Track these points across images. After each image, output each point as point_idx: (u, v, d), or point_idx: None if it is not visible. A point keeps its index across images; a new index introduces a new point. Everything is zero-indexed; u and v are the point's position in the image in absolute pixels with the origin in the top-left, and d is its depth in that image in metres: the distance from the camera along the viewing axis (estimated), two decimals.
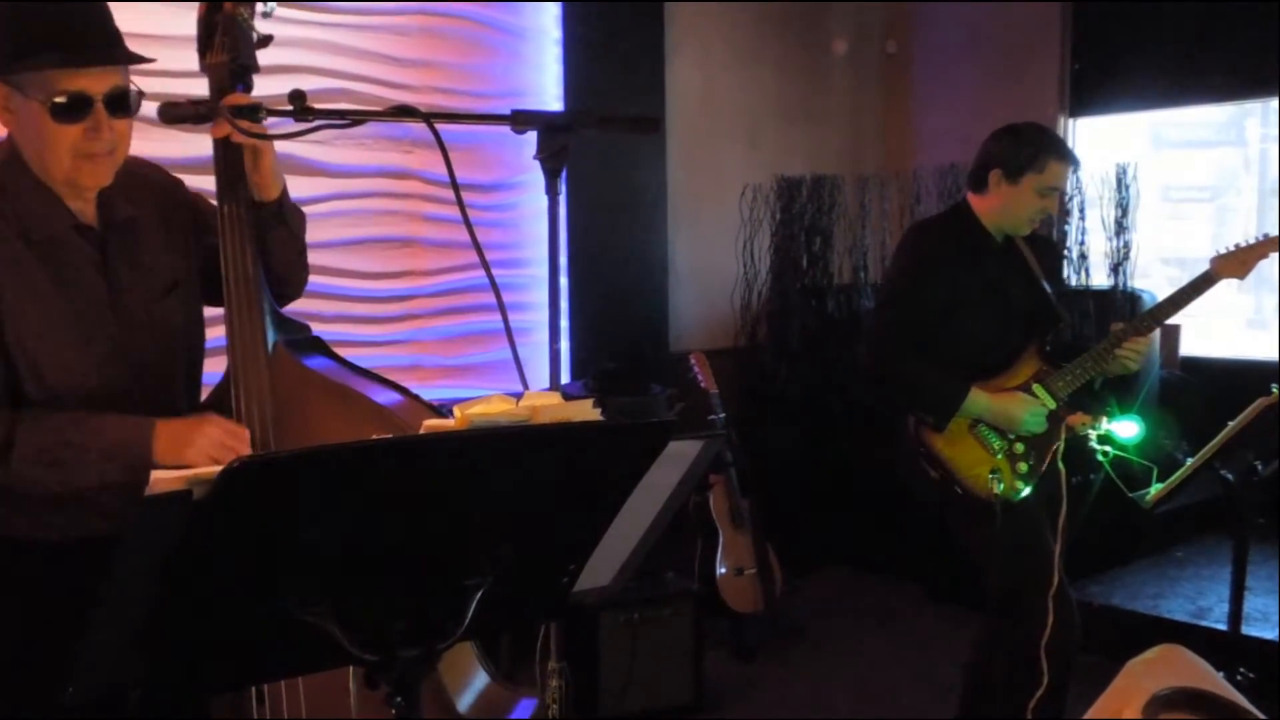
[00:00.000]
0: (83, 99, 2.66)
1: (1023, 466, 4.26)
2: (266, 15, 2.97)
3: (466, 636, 2.02)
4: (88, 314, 2.82)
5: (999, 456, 4.25)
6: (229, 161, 2.91)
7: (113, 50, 2.73)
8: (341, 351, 3.08)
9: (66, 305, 2.79)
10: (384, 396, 2.91)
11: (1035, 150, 4.29)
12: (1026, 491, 4.23)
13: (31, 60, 2.63)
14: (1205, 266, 4.35)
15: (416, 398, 2.95)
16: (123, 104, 2.72)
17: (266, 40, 2.98)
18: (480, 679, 3.10)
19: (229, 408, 2.85)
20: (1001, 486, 4.16)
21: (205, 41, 2.94)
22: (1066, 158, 4.33)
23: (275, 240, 3.02)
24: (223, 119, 2.79)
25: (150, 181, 3.03)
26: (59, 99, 2.64)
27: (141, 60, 2.76)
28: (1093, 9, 8.41)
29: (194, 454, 2.65)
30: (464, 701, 2.99)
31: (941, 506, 4.41)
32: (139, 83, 2.79)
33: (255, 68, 2.94)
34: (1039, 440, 4.29)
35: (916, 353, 4.26)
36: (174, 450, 2.67)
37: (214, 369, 3.07)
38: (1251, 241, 4.36)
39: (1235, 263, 4.35)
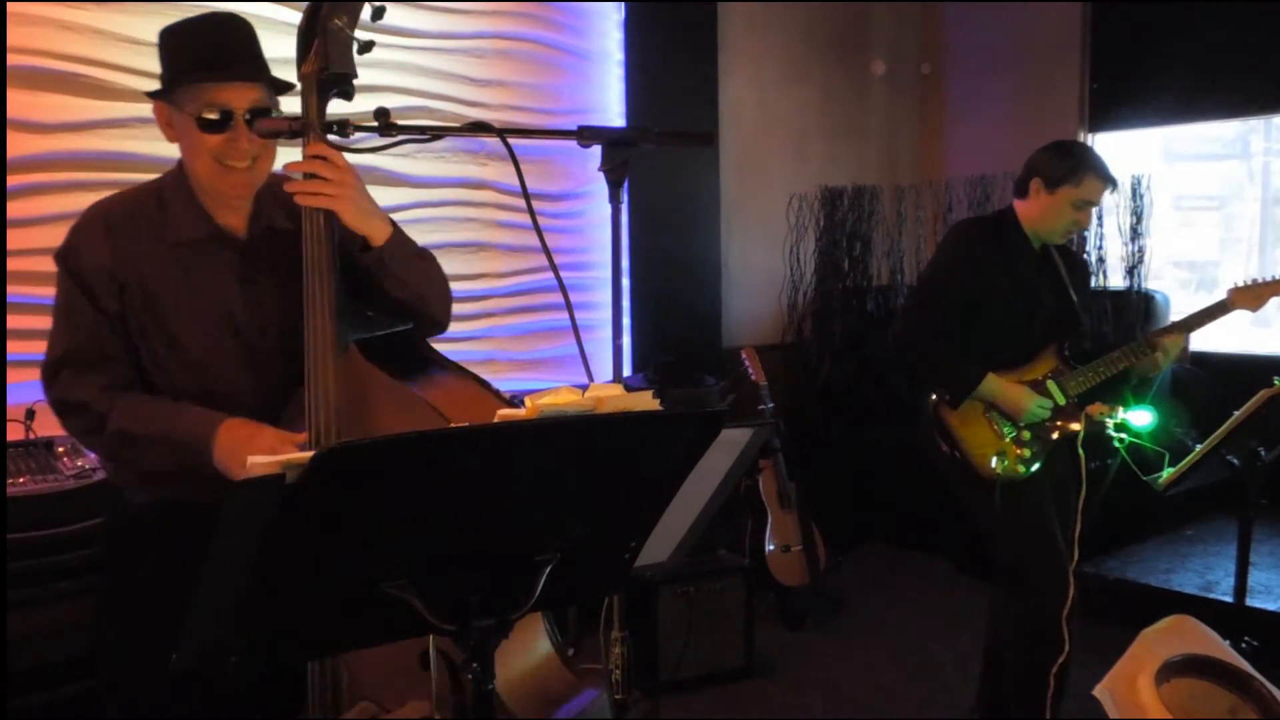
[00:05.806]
0: (226, 113, 2.70)
1: (1025, 452, 4.20)
2: (378, 18, 2.71)
3: (537, 608, 2.00)
4: (217, 315, 2.82)
5: (1006, 440, 4.21)
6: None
7: (252, 69, 2.76)
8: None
9: (198, 305, 2.80)
10: (446, 393, 2.72)
11: (1074, 165, 4.23)
12: (1024, 474, 4.18)
13: (185, 79, 2.71)
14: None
15: (489, 386, 2.79)
16: (263, 118, 2.70)
17: (368, 46, 2.71)
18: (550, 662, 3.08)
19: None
20: (1004, 466, 4.14)
21: (302, 51, 2.68)
22: (1103, 176, 4.24)
23: (386, 285, 2.81)
24: (313, 138, 2.64)
25: None
26: (206, 113, 2.69)
27: (282, 83, 2.80)
28: (1110, 33, 8.32)
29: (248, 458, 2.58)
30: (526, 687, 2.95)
31: (951, 478, 4.39)
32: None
33: (352, 74, 2.67)
34: (1044, 431, 4.24)
35: (944, 334, 4.22)
36: (230, 453, 2.62)
37: None
38: (1267, 279, 4.36)
39: (1250, 296, 4.34)
